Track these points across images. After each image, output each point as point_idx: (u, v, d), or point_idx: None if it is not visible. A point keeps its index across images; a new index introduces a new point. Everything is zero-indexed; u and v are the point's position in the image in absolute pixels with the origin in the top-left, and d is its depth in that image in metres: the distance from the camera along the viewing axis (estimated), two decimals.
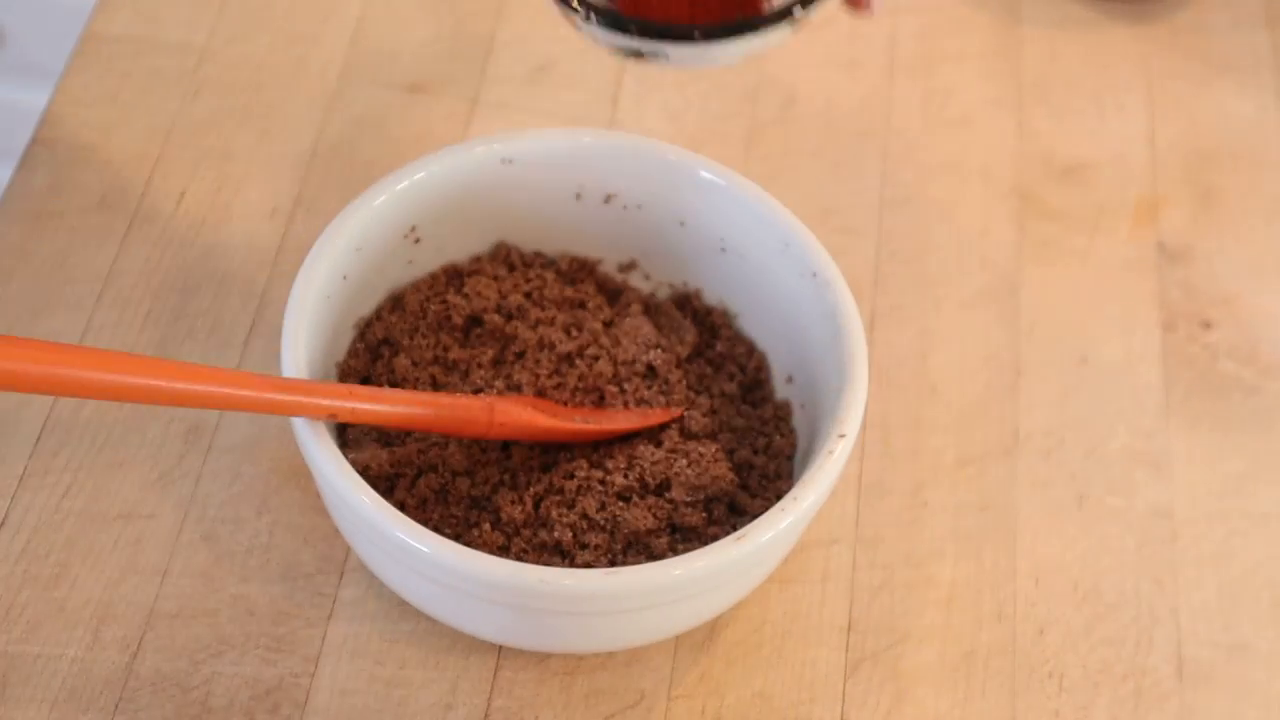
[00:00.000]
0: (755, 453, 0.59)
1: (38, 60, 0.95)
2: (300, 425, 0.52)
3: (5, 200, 0.66)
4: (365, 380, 0.59)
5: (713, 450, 0.57)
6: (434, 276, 0.62)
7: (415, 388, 0.58)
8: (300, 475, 0.60)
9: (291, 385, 0.52)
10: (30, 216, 0.66)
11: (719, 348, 0.62)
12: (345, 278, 0.57)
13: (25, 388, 0.46)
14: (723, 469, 0.57)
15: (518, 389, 0.58)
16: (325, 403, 0.52)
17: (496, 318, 0.60)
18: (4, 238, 0.65)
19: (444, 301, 0.60)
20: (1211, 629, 0.60)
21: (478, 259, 0.62)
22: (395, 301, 0.61)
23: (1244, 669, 0.59)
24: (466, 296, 0.61)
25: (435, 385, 0.58)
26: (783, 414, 0.60)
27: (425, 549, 0.50)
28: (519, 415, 0.56)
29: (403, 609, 0.57)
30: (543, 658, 0.57)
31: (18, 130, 0.73)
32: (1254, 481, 0.64)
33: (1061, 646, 0.59)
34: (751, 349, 0.62)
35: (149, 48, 0.72)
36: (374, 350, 0.60)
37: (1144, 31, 0.78)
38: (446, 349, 0.59)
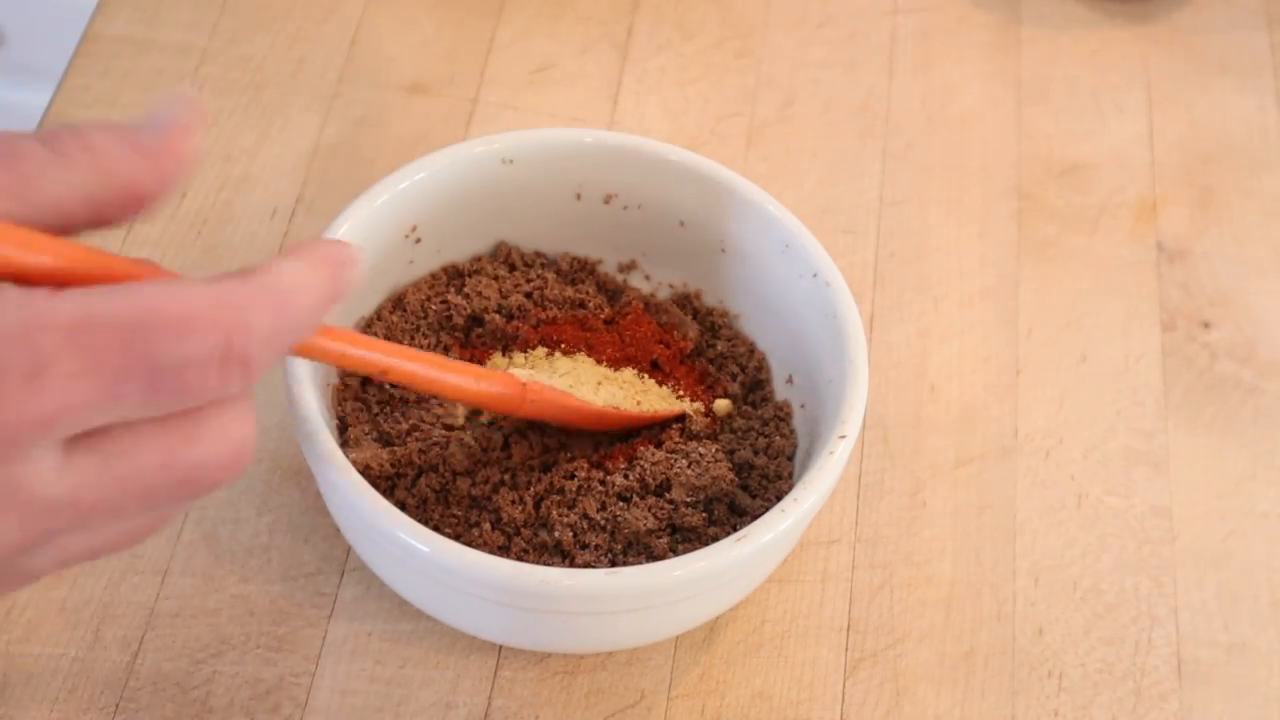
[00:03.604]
0: (755, 453, 0.59)
1: (38, 60, 0.94)
2: (300, 424, 0.52)
3: None
4: (366, 382, 0.59)
5: (713, 450, 0.57)
6: (434, 276, 0.62)
7: None
8: (300, 475, 0.60)
9: (346, 337, 0.50)
10: None
11: (719, 347, 0.62)
12: None
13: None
14: (723, 469, 0.57)
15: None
16: (376, 357, 0.50)
17: (497, 318, 0.60)
18: None
19: (445, 301, 0.60)
20: (1211, 629, 0.60)
21: (478, 259, 0.63)
22: (396, 301, 0.61)
23: (1244, 669, 0.59)
24: (467, 296, 0.61)
25: None
26: (783, 414, 0.60)
27: (425, 549, 0.50)
28: (550, 393, 0.55)
29: (403, 609, 0.57)
30: (543, 658, 0.57)
31: (18, 130, 0.73)
32: (1254, 481, 0.64)
33: (1061, 646, 0.59)
34: (752, 349, 0.62)
35: (149, 48, 0.72)
36: None
37: (1144, 31, 0.78)
38: (448, 349, 0.59)
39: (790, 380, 0.61)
